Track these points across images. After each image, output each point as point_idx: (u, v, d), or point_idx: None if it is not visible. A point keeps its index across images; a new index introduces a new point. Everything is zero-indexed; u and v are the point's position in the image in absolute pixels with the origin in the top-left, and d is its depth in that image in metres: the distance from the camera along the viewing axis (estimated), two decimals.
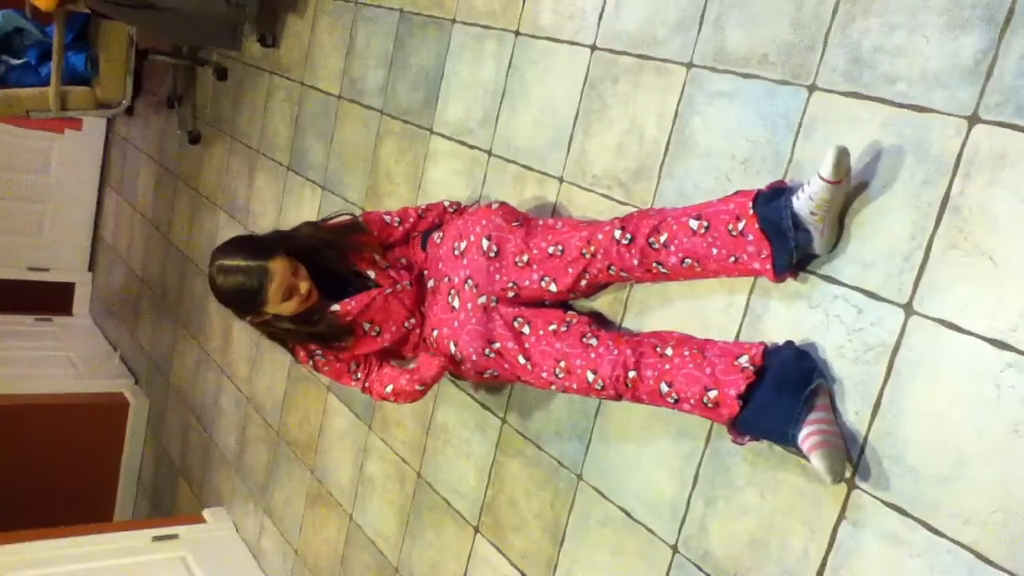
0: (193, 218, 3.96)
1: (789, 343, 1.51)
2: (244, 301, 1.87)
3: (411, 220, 2.10)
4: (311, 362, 2.01)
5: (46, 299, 5.17)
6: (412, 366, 2.01)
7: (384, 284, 1.97)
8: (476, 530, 2.22)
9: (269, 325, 1.95)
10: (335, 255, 1.98)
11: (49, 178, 5.05)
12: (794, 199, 1.42)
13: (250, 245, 1.90)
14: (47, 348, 4.79)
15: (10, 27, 3.50)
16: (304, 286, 1.88)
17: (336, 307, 1.93)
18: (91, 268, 5.30)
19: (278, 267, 1.83)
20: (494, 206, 1.92)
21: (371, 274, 1.98)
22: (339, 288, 1.97)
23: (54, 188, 5.07)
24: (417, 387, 1.91)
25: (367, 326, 1.95)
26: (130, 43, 3.62)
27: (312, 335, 1.95)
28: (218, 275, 1.86)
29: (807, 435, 1.39)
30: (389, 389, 1.95)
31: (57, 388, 4.36)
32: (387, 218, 2.09)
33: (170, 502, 4.14)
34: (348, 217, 2.08)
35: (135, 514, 4.52)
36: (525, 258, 1.80)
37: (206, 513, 3.58)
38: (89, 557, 3.19)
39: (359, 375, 2.02)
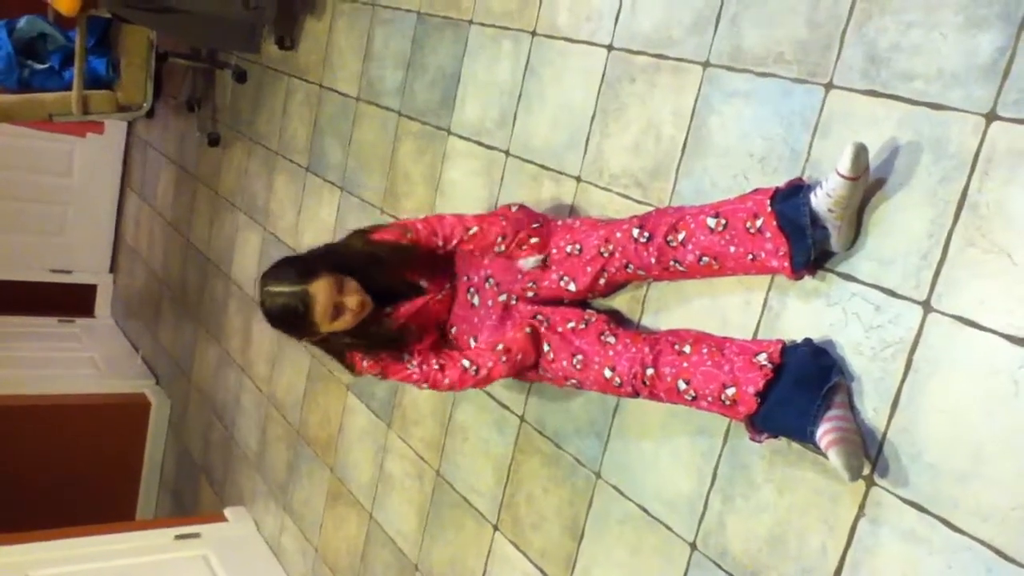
0: (213, 220, 4.00)
1: (807, 340, 1.51)
2: (293, 325, 1.83)
3: (454, 242, 1.92)
4: (379, 369, 1.93)
5: (69, 301, 5.22)
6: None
7: (432, 291, 1.94)
8: (495, 528, 2.23)
9: (328, 342, 1.91)
10: (384, 271, 1.91)
11: (71, 180, 5.11)
12: (812, 196, 1.43)
13: (293, 267, 1.83)
14: (70, 349, 4.84)
15: (34, 32, 3.55)
16: (352, 301, 1.80)
17: (388, 309, 1.89)
18: (112, 270, 5.36)
19: (320, 289, 1.76)
20: (514, 208, 1.93)
21: (423, 283, 1.94)
22: (388, 292, 1.92)
23: (76, 190, 5.13)
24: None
25: (413, 328, 1.93)
26: (150, 47, 3.66)
27: (373, 344, 1.89)
28: (265, 300, 1.81)
29: (825, 432, 1.40)
30: (501, 347, 1.82)
31: (80, 388, 4.41)
32: (435, 239, 1.91)
33: (192, 501, 4.18)
34: (398, 227, 1.93)
35: (157, 513, 4.57)
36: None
37: (227, 512, 3.61)
38: (112, 555, 3.22)
39: (413, 363, 1.90)
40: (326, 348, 1.95)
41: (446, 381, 1.88)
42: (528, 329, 1.82)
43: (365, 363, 1.92)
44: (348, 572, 2.87)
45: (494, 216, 1.92)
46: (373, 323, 1.86)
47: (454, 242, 1.90)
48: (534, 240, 1.83)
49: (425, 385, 1.91)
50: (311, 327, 1.80)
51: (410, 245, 1.90)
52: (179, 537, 3.39)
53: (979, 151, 1.32)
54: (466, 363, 1.86)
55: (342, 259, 1.87)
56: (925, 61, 1.40)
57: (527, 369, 1.84)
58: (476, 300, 1.90)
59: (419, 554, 2.52)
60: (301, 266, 1.83)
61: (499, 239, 1.86)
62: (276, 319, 1.82)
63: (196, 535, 3.41)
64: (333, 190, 3.03)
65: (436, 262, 1.98)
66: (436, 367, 1.88)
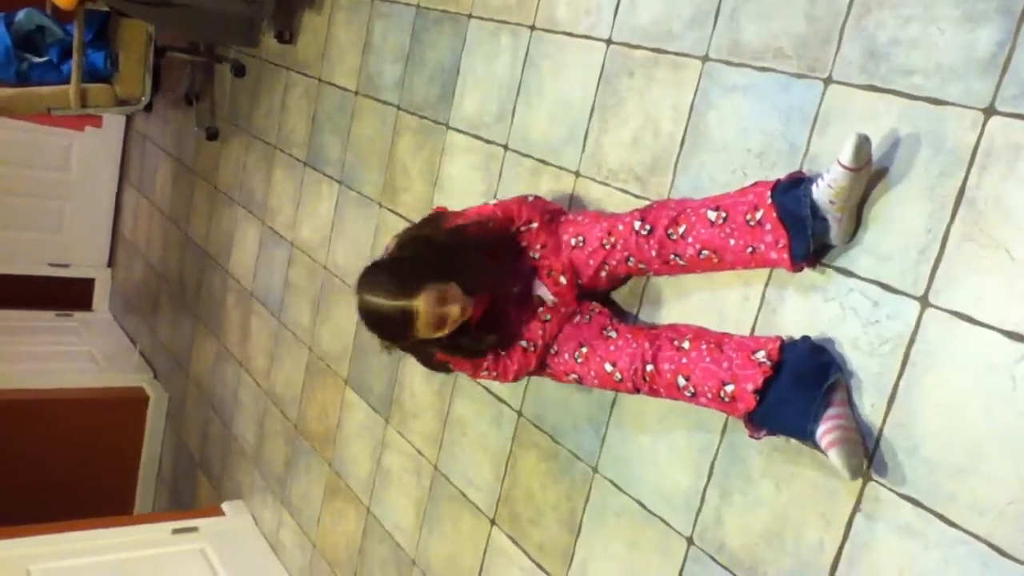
0: (211, 214, 4.00)
1: (805, 338, 1.51)
2: (391, 335, 1.77)
3: (519, 227, 1.90)
4: (469, 367, 1.88)
5: (67, 295, 5.22)
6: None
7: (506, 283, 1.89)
8: (492, 522, 2.23)
9: (417, 348, 1.86)
10: (483, 272, 1.82)
11: (69, 175, 5.10)
12: (813, 188, 1.43)
13: (396, 276, 1.72)
14: (68, 343, 4.84)
15: (32, 25, 3.53)
16: (455, 311, 1.70)
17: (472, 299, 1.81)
18: (111, 264, 5.35)
19: (424, 304, 1.67)
20: (530, 198, 1.92)
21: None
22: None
23: (74, 185, 5.12)
24: None
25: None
26: (149, 41, 3.65)
27: (464, 352, 1.83)
28: (362, 307, 1.75)
29: (825, 431, 1.39)
30: (541, 309, 1.82)
31: (78, 383, 4.40)
32: (511, 225, 1.89)
33: (190, 495, 4.18)
34: (481, 218, 1.87)
35: (155, 507, 4.57)
36: None
37: (225, 506, 3.61)
38: (110, 549, 3.23)
39: (486, 367, 1.86)
40: (414, 353, 1.90)
41: (514, 367, 1.84)
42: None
43: (460, 365, 1.89)
44: (346, 566, 2.88)
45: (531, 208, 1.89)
46: (465, 328, 1.78)
47: (519, 227, 1.86)
48: (563, 279, 1.80)
49: (495, 374, 1.86)
50: (411, 337, 1.74)
51: (497, 236, 1.85)
52: (177, 531, 3.39)
53: (977, 146, 1.32)
54: (524, 343, 1.82)
55: (441, 261, 1.76)
56: (924, 55, 1.39)
57: (571, 316, 1.82)
58: None
59: (417, 549, 2.52)
60: (403, 275, 1.72)
61: (540, 246, 1.84)
62: (374, 327, 1.76)
63: (194, 529, 3.41)
64: (332, 184, 3.03)
65: (507, 252, 1.91)
66: (503, 353, 1.84)
